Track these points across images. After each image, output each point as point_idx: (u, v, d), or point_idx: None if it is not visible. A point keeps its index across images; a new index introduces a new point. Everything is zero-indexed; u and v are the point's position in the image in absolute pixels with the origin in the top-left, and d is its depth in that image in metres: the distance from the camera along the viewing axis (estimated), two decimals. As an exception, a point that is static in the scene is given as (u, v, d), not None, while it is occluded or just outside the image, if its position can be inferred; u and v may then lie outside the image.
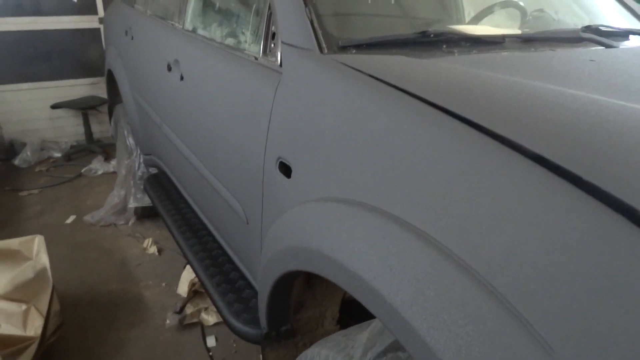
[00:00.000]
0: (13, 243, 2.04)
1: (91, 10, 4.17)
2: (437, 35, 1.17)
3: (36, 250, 2.06)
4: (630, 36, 1.45)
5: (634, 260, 0.51)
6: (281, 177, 1.11)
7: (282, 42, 1.19)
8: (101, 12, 4.18)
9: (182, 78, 1.75)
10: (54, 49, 4.13)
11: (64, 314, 2.14)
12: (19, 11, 3.94)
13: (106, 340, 2.05)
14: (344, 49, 1.12)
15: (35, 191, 3.52)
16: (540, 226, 0.59)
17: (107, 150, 4.20)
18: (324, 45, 1.11)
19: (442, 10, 1.82)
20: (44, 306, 1.86)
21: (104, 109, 4.11)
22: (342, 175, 0.90)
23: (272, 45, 1.26)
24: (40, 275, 1.96)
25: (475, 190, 0.67)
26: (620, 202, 0.56)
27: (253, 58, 1.32)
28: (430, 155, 0.75)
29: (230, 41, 1.49)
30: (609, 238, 0.54)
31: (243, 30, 1.44)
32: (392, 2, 1.43)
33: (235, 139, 1.34)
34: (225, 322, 1.55)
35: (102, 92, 4.21)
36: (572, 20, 1.49)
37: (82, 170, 3.83)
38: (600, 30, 1.36)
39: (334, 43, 1.12)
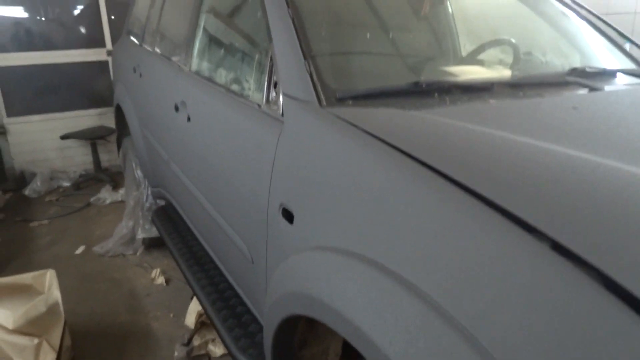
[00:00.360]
0: (26, 278, 2.11)
1: (99, 43, 4.30)
2: (429, 84, 1.24)
3: (48, 285, 2.12)
4: (618, 74, 1.52)
5: (608, 325, 0.57)
6: (284, 222, 1.17)
7: (283, 93, 1.26)
8: (109, 44, 4.31)
9: (189, 119, 1.83)
10: (63, 82, 4.26)
11: (75, 348, 2.19)
12: (30, 46, 4.08)
13: (116, 373, 2.09)
14: (341, 100, 1.19)
15: (46, 221, 3.60)
16: (520, 285, 0.65)
17: (115, 179, 4.29)
18: (322, 97, 1.18)
19: (438, 47, 1.90)
20: (56, 341, 1.92)
21: (112, 138, 4.21)
22: (341, 226, 0.96)
23: (274, 94, 1.33)
24: (52, 309, 2.02)
25: (461, 249, 0.73)
26: (591, 265, 0.62)
27: (256, 105, 1.40)
28: (420, 213, 0.81)
29: (234, 87, 1.56)
30: (585, 300, 0.59)
31: (247, 78, 1.52)
32: (389, 45, 1.52)
33: (241, 182, 1.40)
34: (232, 357, 1.60)
35: (109, 121, 4.32)
36: (560, 61, 1.56)
37: (91, 200, 3.92)
38: (586, 72, 1.42)
39: (332, 95, 1.19)
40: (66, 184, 4.26)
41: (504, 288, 0.66)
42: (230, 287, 1.86)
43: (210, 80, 1.76)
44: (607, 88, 1.35)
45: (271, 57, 1.35)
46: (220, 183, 1.56)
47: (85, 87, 4.36)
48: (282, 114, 1.25)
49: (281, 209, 1.19)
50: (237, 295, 1.81)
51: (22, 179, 4.23)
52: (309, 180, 1.09)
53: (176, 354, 2.16)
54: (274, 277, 1.18)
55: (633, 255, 0.63)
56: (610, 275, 0.60)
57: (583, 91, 1.32)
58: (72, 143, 4.36)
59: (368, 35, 1.46)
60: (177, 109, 1.95)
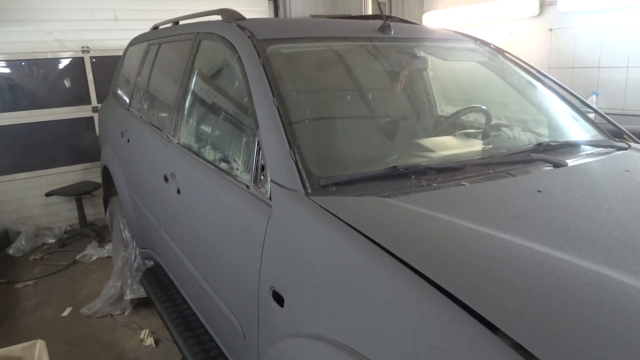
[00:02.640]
0: (15, 350, 2.11)
1: (84, 100, 4.39)
2: (405, 169, 1.34)
3: (38, 356, 2.12)
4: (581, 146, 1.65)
5: None
6: (275, 305, 1.24)
7: (271, 180, 1.35)
8: (94, 101, 4.39)
9: (178, 192, 1.90)
10: (48, 139, 4.31)
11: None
12: (15, 106, 4.14)
13: None
14: (325, 187, 1.28)
15: (31, 282, 3.58)
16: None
17: (101, 234, 4.30)
18: (307, 185, 1.27)
19: (415, 112, 2.02)
20: (48, 416, 1.91)
21: (97, 192, 4.24)
22: (328, 315, 1.03)
23: (262, 177, 1.42)
24: (42, 382, 2.02)
25: (437, 349, 0.80)
26: None
27: (245, 186, 1.48)
28: (398, 310, 0.88)
29: (223, 165, 1.65)
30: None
31: (235, 157, 1.61)
32: (370, 130, 1.63)
33: (231, 260, 1.47)
34: None
35: (95, 176, 4.36)
36: (526, 136, 1.69)
37: (77, 257, 3.91)
38: (551, 146, 1.55)
39: (316, 182, 1.28)
40: (51, 240, 4.25)
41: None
42: (222, 355, 1.89)
43: (199, 154, 1.84)
44: (570, 163, 1.47)
45: (258, 142, 1.44)
46: (211, 258, 1.62)
47: (70, 143, 4.41)
48: (270, 198, 1.33)
49: (271, 291, 1.25)
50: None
51: (6, 238, 4.21)
52: (297, 267, 1.16)
53: (168, 421, 2.15)
54: (266, 358, 1.23)
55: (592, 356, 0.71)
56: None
57: (548, 167, 1.44)
58: (58, 199, 4.37)
59: (350, 121, 1.58)
60: (166, 179, 2.03)
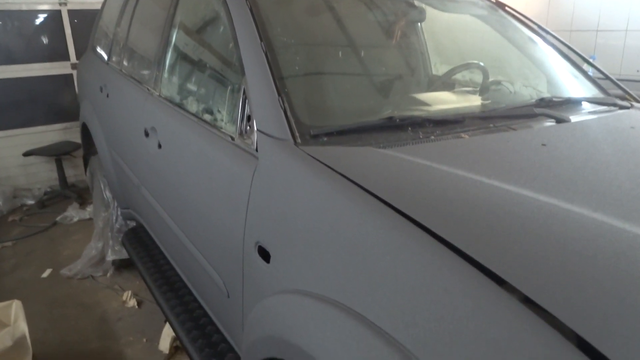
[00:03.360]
0: (-10, 310, 2.03)
1: (63, 56, 4.19)
2: (402, 120, 1.26)
3: (14, 316, 2.05)
4: (583, 103, 1.57)
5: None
6: (260, 261, 1.16)
7: (257, 129, 1.25)
8: (73, 57, 4.20)
9: (160, 146, 1.80)
10: (25, 97, 4.13)
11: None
12: (-11, 61, 3.94)
13: (88, 405, 2.03)
14: (316, 137, 1.19)
15: (9, 243, 3.47)
16: (496, 341, 0.66)
17: (82, 195, 4.18)
18: (297, 135, 1.18)
19: (410, 68, 1.93)
20: (24, 376, 1.85)
21: (78, 153, 4.10)
22: (318, 270, 0.96)
23: (248, 127, 1.32)
24: (19, 342, 1.95)
25: (438, 303, 0.74)
26: (565, 325, 0.64)
27: (229, 138, 1.38)
28: (394, 263, 0.81)
29: (207, 117, 1.55)
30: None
31: (219, 108, 1.51)
32: (363, 78, 1.53)
33: (215, 216, 1.39)
34: (209, 389, 1.57)
35: (75, 136, 4.20)
36: (527, 91, 1.61)
37: (57, 218, 3.80)
38: (553, 102, 1.47)
39: (306, 132, 1.19)
40: (30, 202, 4.12)
41: (481, 344, 0.67)
42: (206, 315, 1.83)
43: (181, 107, 1.73)
44: (574, 119, 1.40)
45: (244, 90, 1.34)
46: (194, 214, 1.54)
47: (49, 102, 4.23)
48: (257, 149, 1.25)
49: (257, 247, 1.18)
50: (212, 323, 1.78)
51: (-17, 198, 4.07)
52: (285, 220, 1.08)
53: (150, 382, 2.11)
54: (250, 316, 1.17)
55: (606, 314, 0.65)
56: (585, 337, 0.62)
57: (551, 122, 1.36)
58: (36, 159, 4.22)
59: (342, 68, 1.47)
60: (147, 134, 1.92)
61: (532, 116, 1.38)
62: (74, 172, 4.43)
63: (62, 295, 2.83)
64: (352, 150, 1.13)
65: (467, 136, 1.24)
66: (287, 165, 1.12)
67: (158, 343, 2.35)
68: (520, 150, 1.14)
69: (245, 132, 1.33)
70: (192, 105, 1.67)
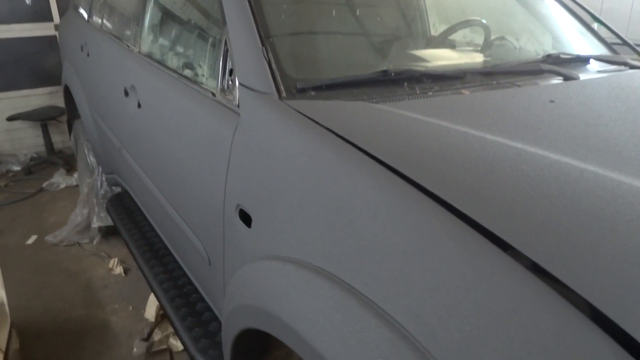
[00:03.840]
0: (-33, 277, 1.95)
1: (46, 17, 4.00)
2: (398, 73, 1.15)
3: (-8, 283, 1.97)
4: (591, 61, 1.46)
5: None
6: (241, 225, 1.08)
7: (240, 82, 1.15)
8: (57, 19, 4.01)
9: (139, 106, 1.69)
10: (7, 59, 3.96)
11: (27, 348, 2.06)
12: (-31, 20, 3.76)
13: (71, 373, 1.98)
14: (303, 91, 1.09)
15: (-7, 209, 3.38)
16: (499, 314, 0.58)
17: (70, 161, 4.06)
18: (282, 89, 1.07)
19: (408, 29, 1.80)
20: (2, 344, 1.78)
21: (64, 118, 3.96)
22: (302, 235, 0.87)
23: (230, 82, 1.21)
24: (-4, 310, 1.88)
25: (434, 270, 0.65)
26: (575, 291, 0.55)
27: (210, 94, 1.28)
28: (386, 225, 0.73)
29: (187, 73, 1.43)
30: (572, 335, 0.53)
31: (200, 63, 1.39)
32: (355, 28, 1.41)
33: (195, 178, 1.29)
34: (191, 358, 1.51)
35: (61, 101, 4.05)
36: (533, 47, 1.49)
37: (44, 185, 3.70)
38: (561, 59, 1.36)
39: (292, 86, 1.09)
40: (16, 168, 4.01)
41: (481, 317, 0.59)
42: (190, 283, 1.76)
43: (161, 63, 1.61)
44: (582, 77, 1.29)
45: (225, 42, 1.23)
46: (174, 177, 1.44)
47: (32, 65, 4.06)
48: (239, 105, 1.14)
49: (238, 210, 1.09)
50: (196, 291, 1.71)
51: (-33, 164, 3.95)
52: (267, 181, 0.99)
53: (135, 350, 2.06)
54: (231, 284, 1.09)
55: (624, 282, 0.56)
56: (598, 306, 0.53)
57: (558, 80, 1.26)
58: (21, 124, 4.09)
59: (332, 17, 1.35)
60: (126, 93, 1.80)
61: (539, 73, 1.27)
62: (61, 138, 4.30)
63: (47, 263, 2.76)
64: (342, 104, 1.03)
65: (467, 92, 1.13)
66: (270, 120, 1.02)
67: (144, 311, 2.29)
68: (526, 106, 1.04)
69: (227, 87, 1.22)
70: (173, 61, 1.56)
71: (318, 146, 0.89)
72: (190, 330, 1.56)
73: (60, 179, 3.72)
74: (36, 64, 4.08)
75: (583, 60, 1.44)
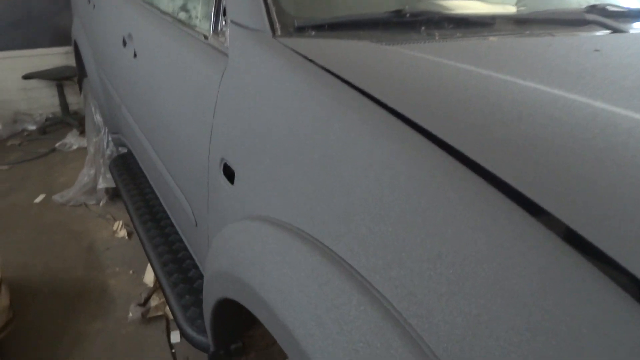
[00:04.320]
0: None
1: (64, -28, 3.89)
2: (414, 15, 0.98)
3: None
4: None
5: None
6: (225, 181, 0.95)
7: (231, 20, 1.00)
8: (75, -26, 3.90)
9: (135, 55, 1.56)
10: (24, 16, 3.87)
11: (22, 307, 2.01)
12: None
13: (64, 335, 1.92)
14: (301, 30, 0.93)
15: (5, 167, 3.34)
16: (520, 298, 0.44)
17: (84, 123, 3.99)
18: (277, 26, 0.92)
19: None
20: (-9, 301, 1.72)
21: (80, 79, 3.89)
22: (284, 191, 0.74)
23: (223, 23, 1.07)
24: (-12, 266, 1.82)
25: (438, 238, 0.51)
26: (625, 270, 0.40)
27: (202, 37, 1.14)
28: (382, 180, 0.58)
29: (182, 16, 1.29)
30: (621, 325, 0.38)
31: (195, 4, 1.25)
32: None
33: (182, 132, 1.17)
34: (178, 327, 1.41)
35: (78, 61, 3.98)
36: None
37: (56, 145, 3.65)
38: (608, 11, 1.17)
39: (289, 23, 0.94)
40: (31, 127, 3.97)
41: (494, 299, 0.45)
42: (186, 248, 1.65)
43: (159, 9, 1.48)
44: (633, 31, 1.10)
45: (220, -25, 1.08)
46: (165, 133, 1.32)
47: (49, 23, 3.97)
48: (229, 46, 1.00)
49: (222, 165, 0.96)
50: (191, 257, 1.61)
51: (-17, 121, 3.93)
52: (252, 129, 0.85)
53: (130, 315, 1.98)
54: (211, 248, 0.96)
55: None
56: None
57: (604, 32, 1.07)
58: (37, 84, 4.03)
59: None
60: (124, 43, 1.68)
61: (582, 24, 1.09)
62: (77, 99, 4.22)
63: (52, 222, 2.70)
64: (343, 43, 0.88)
65: (496, 39, 0.96)
66: (259, 59, 0.87)
67: (144, 275, 2.22)
68: (565, 54, 0.87)
69: (220, 29, 1.08)
70: (169, 5, 1.41)
71: (309, 86, 0.74)
72: (180, 298, 1.46)
73: (72, 140, 3.67)
74: (53, 22, 3.99)
75: (633, 15, 1.24)
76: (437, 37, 0.97)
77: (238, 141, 0.89)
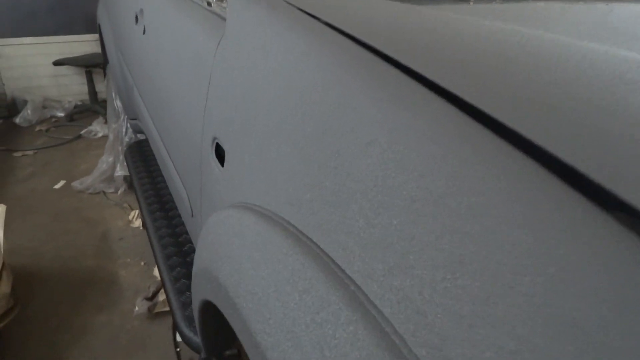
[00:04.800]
0: (-29, 211, 1.84)
1: (96, -41, 3.88)
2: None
3: (-5, 221, 1.85)
4: None
5: None
6: (216, 163, 0.82)
7: (232, -22, 0.87)
8: (107, -39, 3.88)
9: (144, 31, 1.45)
10: (58, 3, 3.88)
11: (25, 293, 1.95)
12: (20, -41, 3.69)
13: (68, 326, 1.84)
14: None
15: (30, 152, 3.34)
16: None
17: (111, 112, 3.98)
18: (280, -19, 0.78)
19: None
20: (-8, 286, 1.66)
21: (109, 67, 3.86)
22: (272, 173, 0.60)
23: (227, -15, 0.94)
24: (-7, 250, 1.75)
25: (449, 228, 0.36)
26: None
27: (206, 3, 1.01)
28: (387, 158, 0.43)
29: (188, -17, 1.17)
30: None
31: (201, -32, 1.12)
32: None
33: (179, 109, 1.05)
34: (176, 326, 1.29)
35: (107, 49, 3.95)
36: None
37: (82, 132, 3.63)
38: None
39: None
40: (60, 114, 3.98)
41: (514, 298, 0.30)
42: (190, 241, 1.54)
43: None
44: None
45: None
46: (165, 111, 1.21)
47: (81, 10, 3.97)
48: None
49: (214, 144, 0.83)
50: (195, 250, 1.49)
51: (14, 106, 3.96)
52: (244, 101, 0.72)
53: (137, 309, 1.89)
54: (198, 241, 0.83)
55: None
56: None
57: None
58: (67, 71, 4.04)
59: None
60: (137, 19, 1.58)
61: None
62: (105, 88, 4.22)
63: (69, 209, 2.65)
64: None
65: (544, 3, 0.79)
66: (257, 22, 0.74)
67: (155, 268, 2.13)
68: (627, 19, 0.69)
69: (225, -7, 0.95)
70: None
71: (309, 45, 0.60)
72: (180, 294, 1.35)
73: (98, 127, 3.64)
74: (87, 9, 3.98)
75: None
76: (471, 1, 0.81)
77: (229, 115, 0.76)
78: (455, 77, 0.44)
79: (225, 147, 0.77)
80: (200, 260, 0.75)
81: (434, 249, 0.37)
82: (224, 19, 0.90)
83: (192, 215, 1.07)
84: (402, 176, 0.42)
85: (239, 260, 0.56)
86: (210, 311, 0.80)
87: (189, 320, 1.26)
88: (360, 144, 0.47)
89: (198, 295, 0.79)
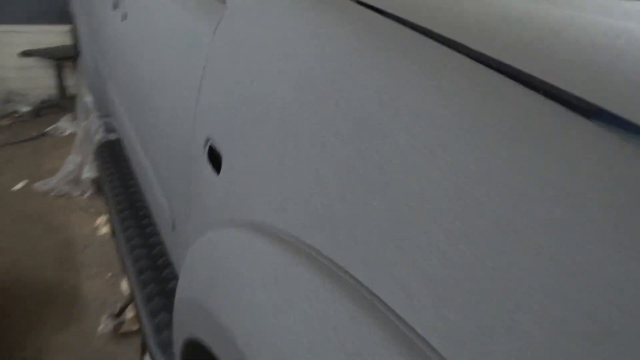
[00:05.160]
0: None
1: (71, -53, 3.67)
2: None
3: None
4: None
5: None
6: (209, 170, 0.67)
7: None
8: (83, -49, 3.67)
9: (124, 17, 1.30)
10: (25, -11, 3.65)
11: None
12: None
13: (22, 346, 1.64)
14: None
15: (-10, 149, 3.10)
16: None
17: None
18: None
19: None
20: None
21: (81, 62, 3.64)
22: (291, 185, 0.46)
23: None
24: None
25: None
26: None
27: (199, -17, 0.87)
28: (413, 149, 0.31)
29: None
30: None
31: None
32: None
33: (164, 106, 0.90)
34: (148, 351, 1.14)
35: (79, 42, 3.73)
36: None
37: (48, 129, 3.40)
38: None
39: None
40: (25, 109, 3.72)
41: None
42: (166, 254, 1.38)
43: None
44: None
45: None
46: (145, 106, 1.05)
47: (52, -1, 3.75)
48: (230, -11, 0.73)
49: (207, 147, 0.68)
50: (172, 265, 1.33)
51: (-26, 99, 3.69)
52: (253, 97, 0.58)
53: (101, 327, 1.71)
54: (184, 263, 0.69)
55: None
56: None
57: None
58: (35, 63, 3.80)
59: None
60: (115, 5, 1.42)
61: None
62: (75, 82, 3.99)
63: (30, 212, 2.44)
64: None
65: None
66: (261, 4, 0.60)
67: (123, 281, 1.94)
68: None
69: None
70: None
71: (341, 24, 0.47)
72: (154, 316, 1.18)
73: (65, 125, 3.42)
74: (57, -2, 3.76)
75: None
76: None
77: (229, 112, 0.62)
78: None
79: (221, 150, 0.63)
80: (186, 289, 0.61)
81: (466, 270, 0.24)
82: (220, 1, 0.76)
83: (174, 228, 0.92)
84: (436, 171, 0.29)
85: (233, 288, 0.42)
86: (197, 351, 0.66)
87: (164, 346, 1.10)
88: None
89: (182, 330, 0.65)
